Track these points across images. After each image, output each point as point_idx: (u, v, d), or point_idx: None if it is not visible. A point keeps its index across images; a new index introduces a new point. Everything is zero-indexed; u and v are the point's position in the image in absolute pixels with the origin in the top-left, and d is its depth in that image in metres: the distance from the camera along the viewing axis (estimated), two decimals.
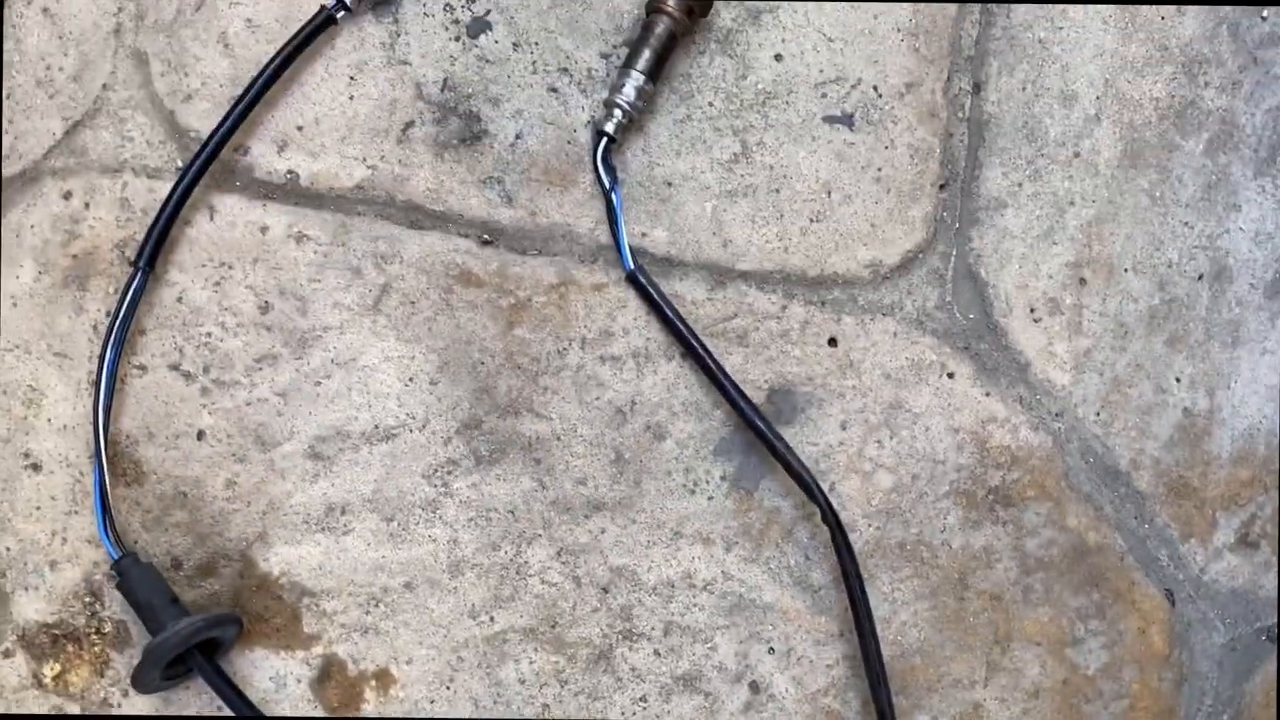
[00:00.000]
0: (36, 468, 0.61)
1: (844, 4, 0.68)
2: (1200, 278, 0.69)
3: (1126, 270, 0.69)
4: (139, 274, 0.60)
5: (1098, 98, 0.69)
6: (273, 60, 0.62)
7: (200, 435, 0.61)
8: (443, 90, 0.65)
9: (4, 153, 0.62)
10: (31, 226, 0.62)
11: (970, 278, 0.68)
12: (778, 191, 0.66)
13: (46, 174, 0.62)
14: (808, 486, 0.62)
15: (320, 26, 0.63)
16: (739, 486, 0.65)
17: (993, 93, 0.69)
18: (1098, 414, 0.68)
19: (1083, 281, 0.68)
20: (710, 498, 0.65)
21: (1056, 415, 0.68)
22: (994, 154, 0.69)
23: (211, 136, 0.61)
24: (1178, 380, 0.69)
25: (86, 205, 0.62)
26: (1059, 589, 0.67)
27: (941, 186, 0.68)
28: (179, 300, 0.62)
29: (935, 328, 0.67)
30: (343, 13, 0.63)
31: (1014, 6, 0.69)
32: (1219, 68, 0.70)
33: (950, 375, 0.67)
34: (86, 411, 0.61)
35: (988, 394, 0.67)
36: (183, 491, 0.61)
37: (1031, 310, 0.68)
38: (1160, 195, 0.69)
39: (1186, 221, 0.69)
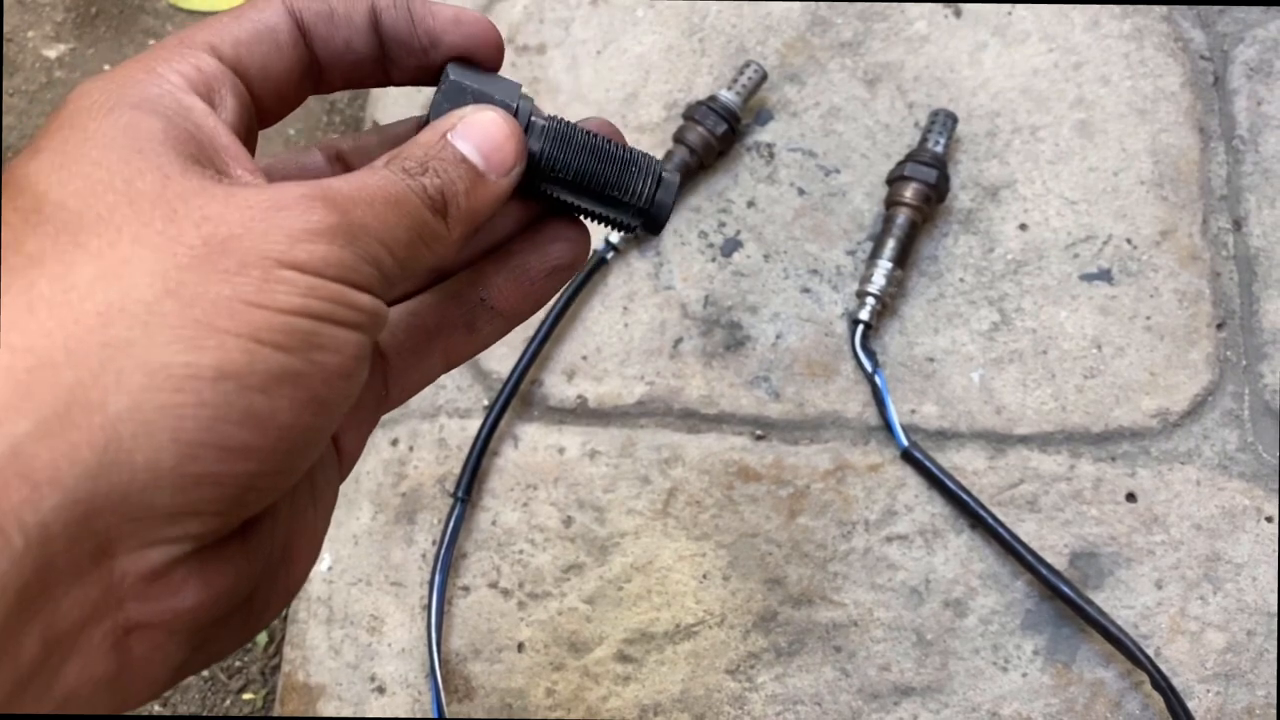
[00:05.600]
0: (382, 690, 0.67)
1: (1082, 168, 0.69)
2: None
3: None
4: (458, 504, 0.67)
5: None
6: (557, 303, 0.70)
7: (520, 647, 0.66)
8: (705, 306, 0.70)
9: None
10: (367, 473, 0.71)
11: (1270, 414, 0.64)
12: (1045, 353, 0.67)
13: (377, 426, 0.71)
14: (1129, 651, 0.59)
15: (594, 268, 0.71)
16: (1054, 659, 0.62)
17: (1256, 226, 0.68)
18: None
19: None
20: (1024, 674, 0.62)
21: None
22: (1270, 286, 0.67)
23: (511, 375, 0.69)
24: None
25: (411, 449, 0.70)
26: None
27: (1219, 326, 0.66)
28: (493, 523, 0.68)
29: (1242, 470, 0.64)
30: (612, 253, 0.71)
31: (1261, 140, 0.69)
32: None
33: (1269, 519, 0.63)
34: (421, 634, 0.67)
35: None
36: (509, 703, 0.65)
37: None
38: None
39: None
